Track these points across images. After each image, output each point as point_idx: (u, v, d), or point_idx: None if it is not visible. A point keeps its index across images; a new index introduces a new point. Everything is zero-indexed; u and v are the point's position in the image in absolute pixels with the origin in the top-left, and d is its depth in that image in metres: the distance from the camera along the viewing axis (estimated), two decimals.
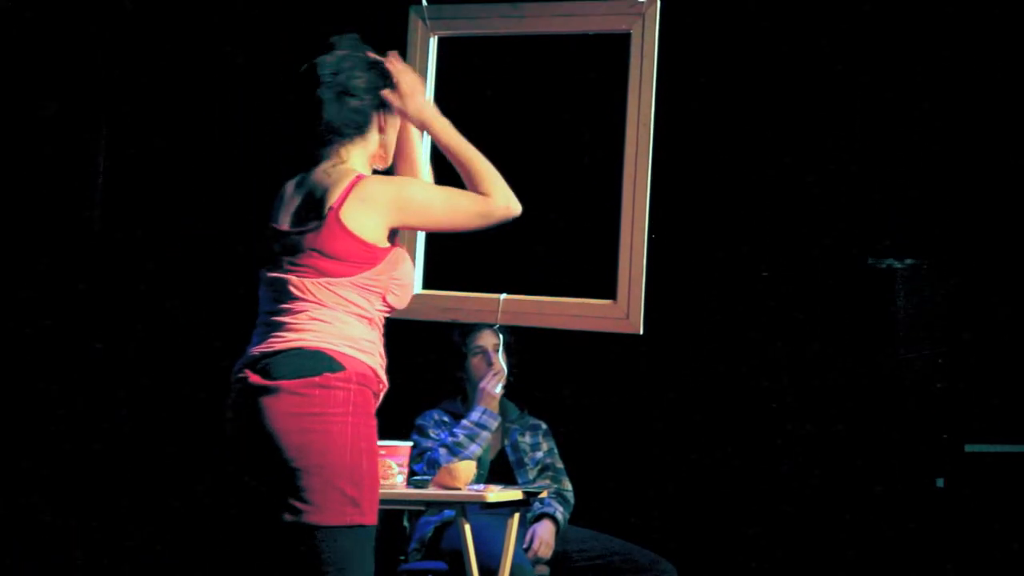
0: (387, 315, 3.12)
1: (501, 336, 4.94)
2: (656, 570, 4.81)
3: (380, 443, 4.08)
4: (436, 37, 4.15)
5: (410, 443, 4.28)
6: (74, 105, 5.70)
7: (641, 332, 3.96)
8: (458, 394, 5.08)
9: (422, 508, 4.74)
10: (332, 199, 3.03)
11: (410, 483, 4.32)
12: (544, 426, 5.12)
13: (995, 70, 5.46)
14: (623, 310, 3.95)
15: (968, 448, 5.32)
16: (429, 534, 4.81)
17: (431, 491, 4.21)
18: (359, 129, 3.15)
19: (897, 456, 5.37)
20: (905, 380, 5.44)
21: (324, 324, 3.01)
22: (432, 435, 4.90)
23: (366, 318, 3.05)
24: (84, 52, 5.69)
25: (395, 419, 4.44)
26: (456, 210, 3.10)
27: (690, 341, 5.64)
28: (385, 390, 3.11)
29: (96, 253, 5.74)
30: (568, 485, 5.01)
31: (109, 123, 5.76)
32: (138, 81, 5.75)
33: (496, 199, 3.12)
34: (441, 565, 4.76)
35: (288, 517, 2.93)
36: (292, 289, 3.04)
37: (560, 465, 5.05)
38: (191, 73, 5.77)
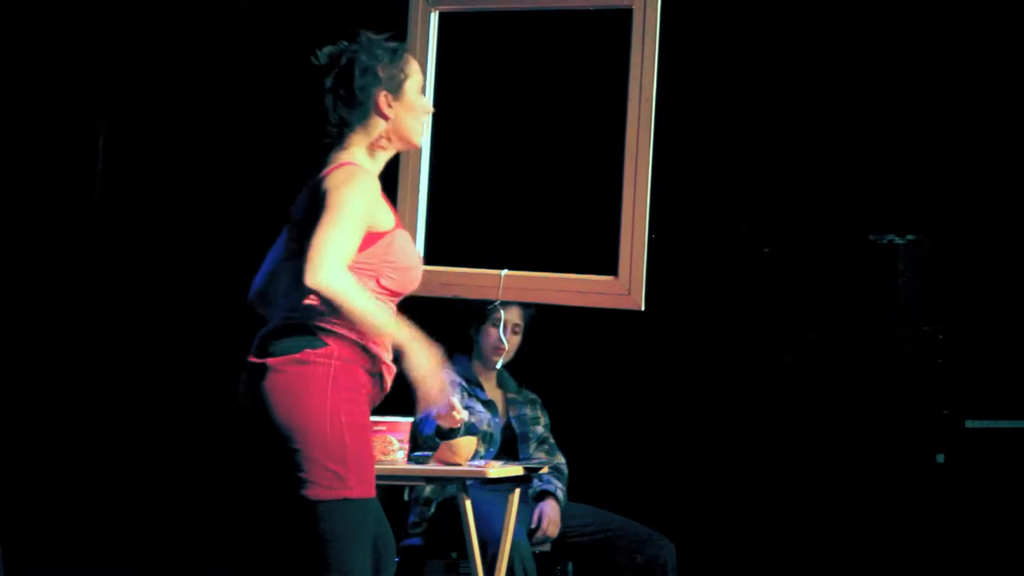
0: (392, 298, 3.15)
1: (524, 318, 4.86)
2: (654, 546, 4.81)
3: (382, 419, 4.11)
4: (437, 12, 4.13)
5: (410, 419, 4.27)
6: (74, 100, 5.70)
7: (642, 308, 3.97)
8: (468, 351, 4.99)
9: (423, 484, 4.74)
10: (320, 186, 3.07)
11: (411, 459, 4.31)
12: (539, 399, 5.11)
13: (996, 45, 5.44)
14: (624, 286, 3.95)
15: (968, 424, 5.32)
16: (430, 510, 4.82)
17: (432, 467, 4.21)
18: (357, 111, 3.15)
19: (897, 432, 5.37)
20: (905, 356, 5.43)
21: (315, 302, 3.05)
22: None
23: None
24: (84, 47, 5.68)
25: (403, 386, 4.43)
26: (323, 236, 2.97)
27: (691, 318, 5.64)
28: (392, 373, 3.14)
29: (95, 252, 5.74)
30: (561, 458, 5.00)
31: (109, 122, 5.75)
32: (138, 79, 5.75)
33: (316, 273, 2.95)
34: (441, 541, 4.77)
35: (282, 491, 3.02)
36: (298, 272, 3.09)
37: (552, 440, 5.06)
38: (191, 65, 5.75)
